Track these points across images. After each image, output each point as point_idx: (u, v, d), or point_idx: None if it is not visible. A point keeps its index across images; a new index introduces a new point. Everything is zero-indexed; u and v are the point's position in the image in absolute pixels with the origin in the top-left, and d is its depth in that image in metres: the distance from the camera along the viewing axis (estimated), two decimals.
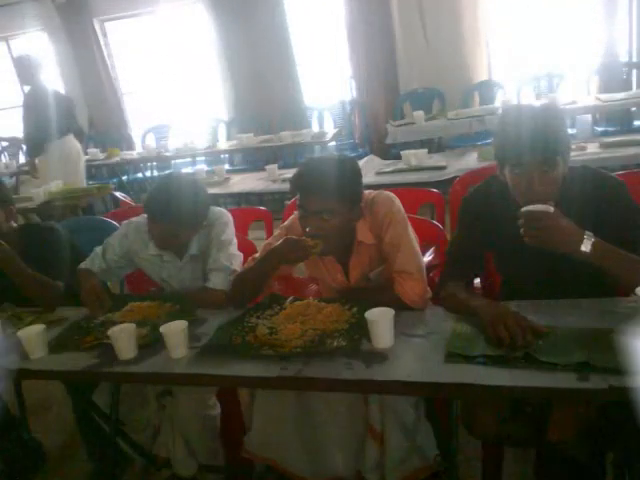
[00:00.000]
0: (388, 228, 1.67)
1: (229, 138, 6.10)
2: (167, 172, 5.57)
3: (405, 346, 1.42)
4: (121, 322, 1.71)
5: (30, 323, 1.86)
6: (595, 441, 1.47)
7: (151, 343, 1.63)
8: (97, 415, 2.06)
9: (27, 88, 4.55)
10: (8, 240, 2.03)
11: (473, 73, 5.53)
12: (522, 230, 1.38)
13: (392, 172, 3.71)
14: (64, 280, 2.05)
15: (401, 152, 3.88)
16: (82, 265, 2.04)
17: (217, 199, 4.14)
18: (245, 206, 4.78)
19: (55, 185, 4.29)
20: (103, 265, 2.03)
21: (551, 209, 1.36)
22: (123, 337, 1.58)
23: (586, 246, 1.35)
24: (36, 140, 4.47)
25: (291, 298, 1.75)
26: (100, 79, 6.68)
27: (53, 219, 3.31)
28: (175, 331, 1.55)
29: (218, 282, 1.87)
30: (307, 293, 2.25)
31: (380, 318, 1.42)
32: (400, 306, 1.56)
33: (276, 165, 4.46)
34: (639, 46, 5.20)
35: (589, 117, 4.87)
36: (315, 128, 5.83)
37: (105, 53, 6.76)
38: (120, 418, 2.00)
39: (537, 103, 3.48)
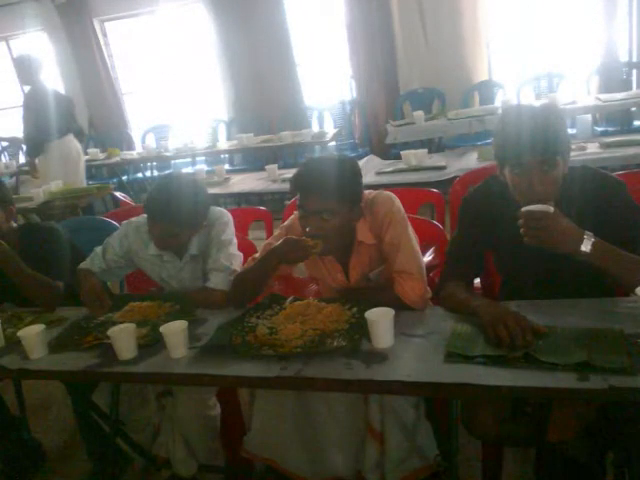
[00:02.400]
0: (388, 228, 1.67)
1: (229, 138, 6.10)
2: (167, 172, 5.59)
3: (405, 346, 1.42)
4: (121, 322, 1.71)
5: (30, 323, 1.86)
6: (595, 441, 1.47)
7: (151, 343, 1.63)
8: (97, 415, 2.05)
9: (27, 88, 4.55)
10: (8, 240, 2.03)
11: (473, 73, 5.53)
12: (522, 230, 1.38)
13: (392, 172, 3.72)
14: (64, 280, 2.05)
15: (401, 152, 3.88)
16: (82, 265, 2.04)
17: (217, 199, 4.15)
18: (245, 206, 4.79)
19: (55, 185, 4.29)
20: (103, 265, 2.03)
21: (551, 209, 1.36)
22: (123, 337, 1.57)
23: (586, 246, 1.35)
24: (36, 140, 4.47)
25: (291, 298, 1.75)
26: (100, 79, 6.68)
27: (53, 219, 3.31)
28: (175, 331, 1.55)
29: (218, 282, 1.87)
30: (307, 293, 2.25)
31: (380, 318, 1.42)
32: (400, 306, 1.55)
33: (276, 165, 4.46)
34: (639, 46, 5.20)
35: (589, 117, 4.87)
36: (315, 128, 5.83)
37: (105, 53, 6.76)
38: (120, 418, 2.00)
39: (537, 103, 3.48)
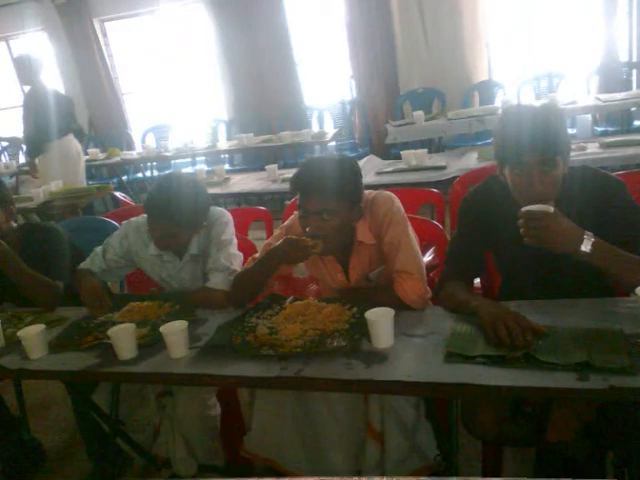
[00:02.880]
0: (388, 228, 1.67)
1: (229, 138, 6.11)
2: (167, 172, 5.58)
3: (405, 346, 1.42)
4: (121, 322, 1.71)
5: (30, 323, 1.86)
6: (595, 441, 1.47)
7: (151, 343, 1.63)
8: (97, 415, 2.05)
9: (27, 88, 4.55)
10: (8, 240, 2.03)
11: (473, 73, 5.53)
12: (522, 230, 1.38)
13: (392, 172, 3.71)
14: (64, 280, 2.05)
15: (401, 152, 3.88)
16: (82, 265, 2.04)
17: (217, 199, 4.14)
18: (245, 206, 4.79)
19: (55, 185, 4.29)
20: (103, 265, 2.03)
21: (551, 209, 1.36)
22: (123, 337, 1.58)
23: (586, 246, 1.35)
24: (36, 140, 4.47)
25: (291, 298, 1.76)
26: (100, 79, 6.68)
27: (53, 219, 3.31)
28: (175, 331, 1.55)
29: (218, 282, 1.87)
30: (307, 293, 2.25)
31: (380, 318, 1.42)
32: (400, 306, 1.56)
33: (276, 165, 4.46)
34: (639, 46, 5.21)
35: (589, 117, 4.87)
36: (315, 128, 5.83)
37: (105, 53, 6.77)
38: (120, 418, 1.99)
39: (537, 103, 3.47)
